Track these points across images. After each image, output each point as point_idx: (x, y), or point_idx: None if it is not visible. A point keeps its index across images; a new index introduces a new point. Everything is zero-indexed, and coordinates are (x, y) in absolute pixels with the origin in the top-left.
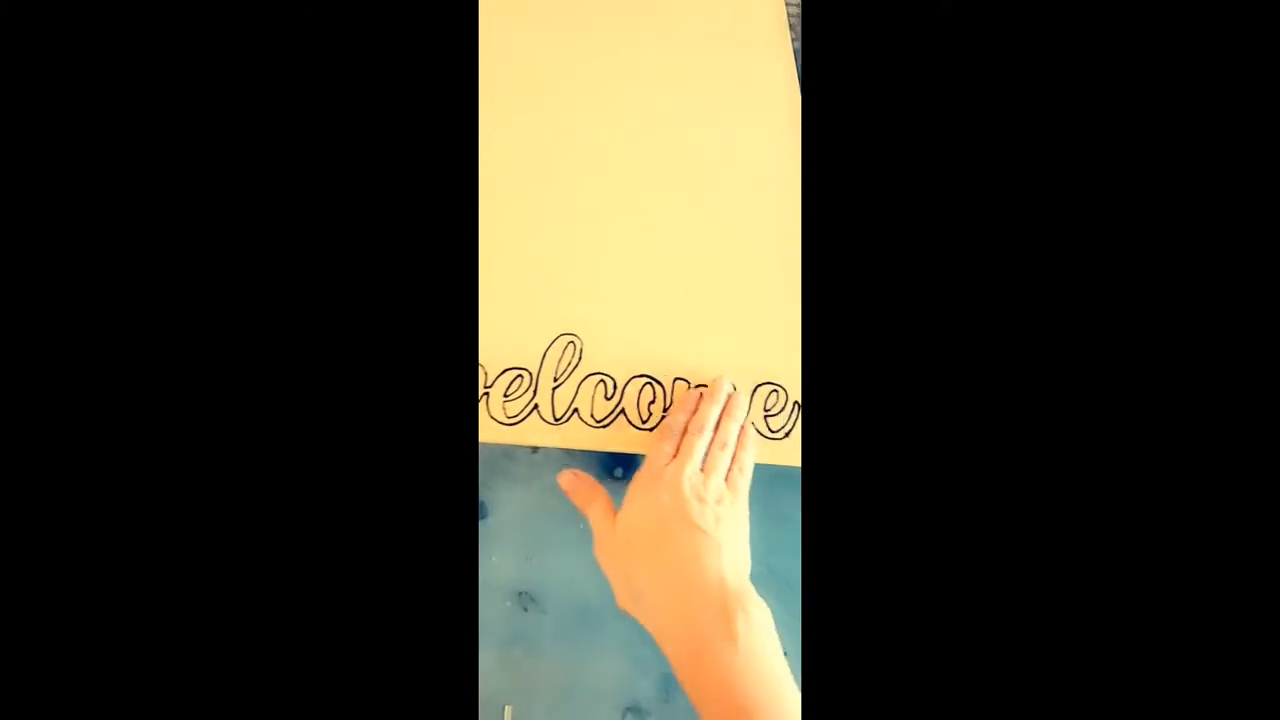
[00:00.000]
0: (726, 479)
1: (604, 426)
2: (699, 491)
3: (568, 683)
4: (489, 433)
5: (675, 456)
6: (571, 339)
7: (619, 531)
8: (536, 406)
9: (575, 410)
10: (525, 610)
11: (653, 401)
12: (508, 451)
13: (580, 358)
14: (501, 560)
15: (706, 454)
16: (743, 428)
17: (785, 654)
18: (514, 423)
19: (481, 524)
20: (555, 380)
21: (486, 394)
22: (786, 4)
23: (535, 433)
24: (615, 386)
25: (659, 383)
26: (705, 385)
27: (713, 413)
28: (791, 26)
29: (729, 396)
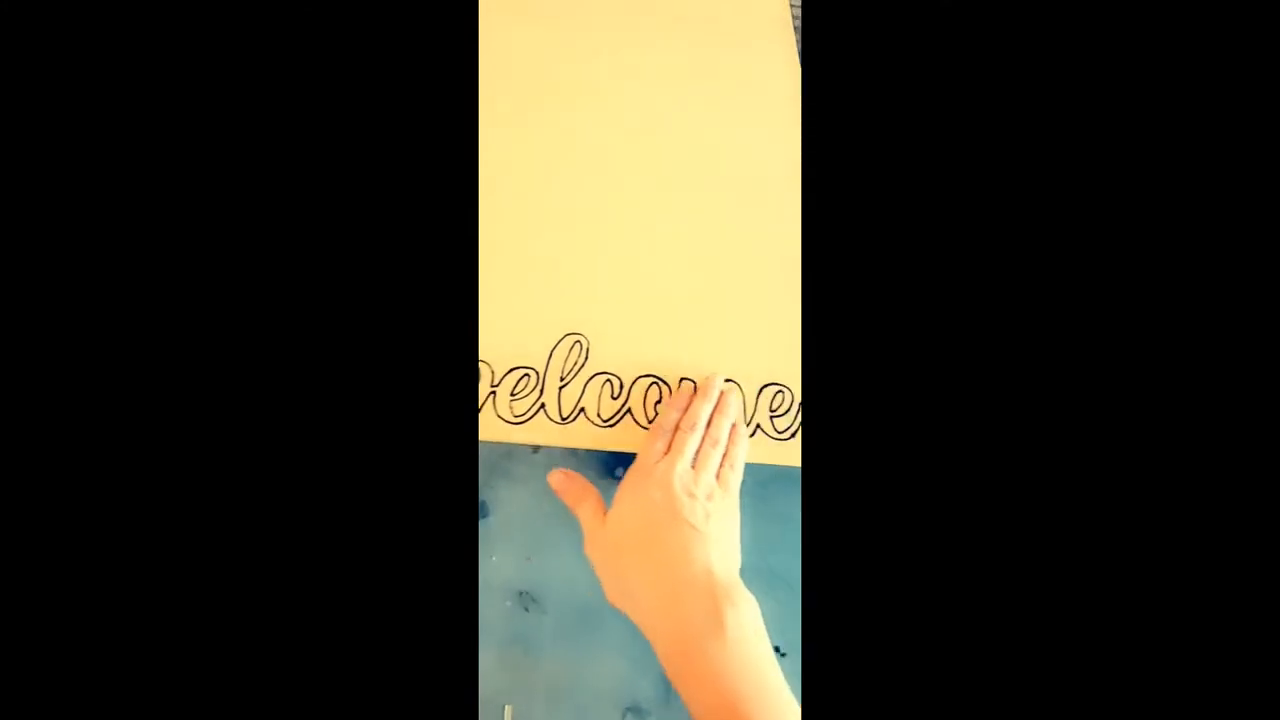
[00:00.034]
0: (718, 476)
1: (610, 426)
2: (689, 488)
3: (568, 682)
4: (496, 431)
5: (667, 454)
6: (578, 338)
7: (609, 529)
8: (543, 405)
9: (582, 410)
10: (526, 610)
11: (659, 401)
12: (508, 451)
13: (587, 357)
14: (502, 560)
15: (698, 451)
16: (734, 425)
17: (785, 654)
18: (521, 421)
19: (482, 523)
20: (562, 379)
21: (493, 393)
22: (790, 4)
23: (542, 432)
24: (622, 386)
25: (665, 383)
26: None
27: (705, 410)
28: (796, 29)
29: (721, 393)
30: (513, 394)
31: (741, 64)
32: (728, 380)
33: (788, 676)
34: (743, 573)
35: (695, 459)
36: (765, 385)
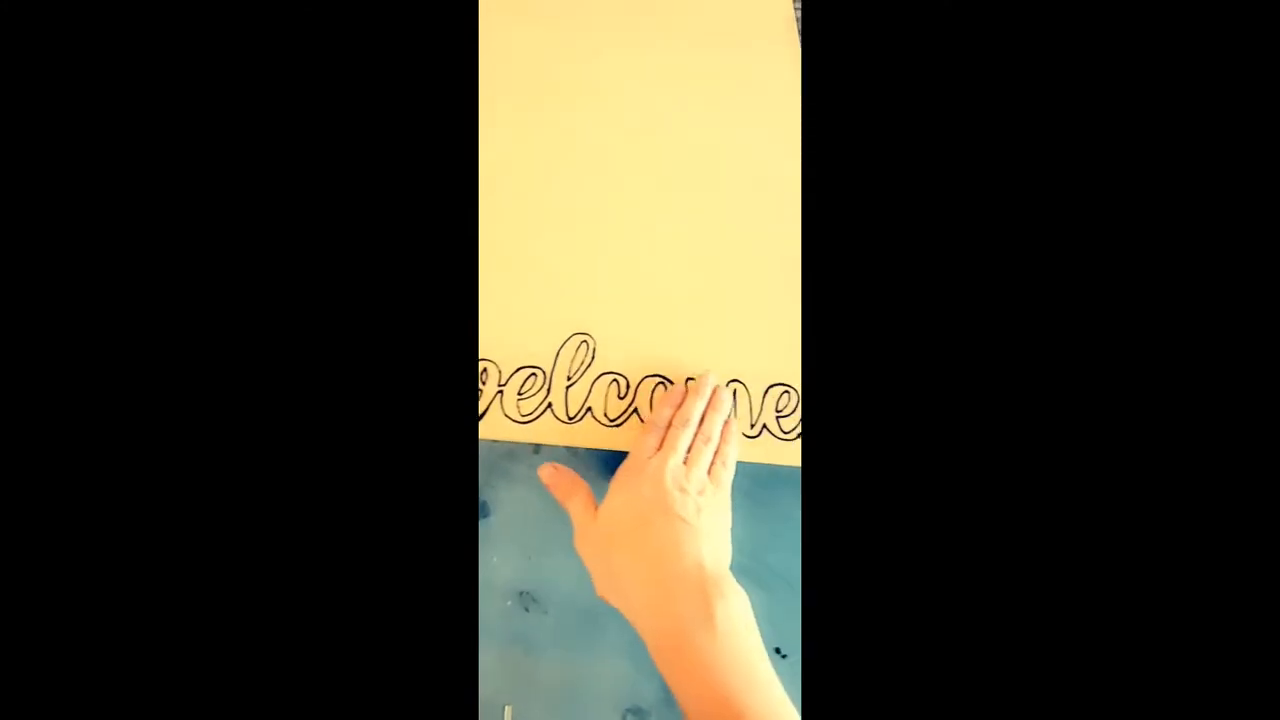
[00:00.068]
0: (709, 472)
1: (617, 426)
2: (681, 483)
3: (568, 683)
4: (503, 430)
5: (659, 450)
6: (585, 338)
7: (601, 523)
8: (550, 405)
9: (589, 409)
10: (526, 610)
11: None
12: (509, 451)
13: (593, 357)
14: (502, 560)
15: (690, 447)
16: (727, 422)
17: (785, 656)
18: (528, 421)
19: (483, 523)
20: (569, 379)
21: (500, 392)
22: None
23: (549, 431)
24: (628, 386)
25: (671, 383)
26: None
27: (698, 407)
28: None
29: (714, 391)
30: (520, 393)
31: (743, 64)
32: (734, 381)
33: (788, 677)
34: (744, 573)
35: (688, 455)
36: (771, 386)
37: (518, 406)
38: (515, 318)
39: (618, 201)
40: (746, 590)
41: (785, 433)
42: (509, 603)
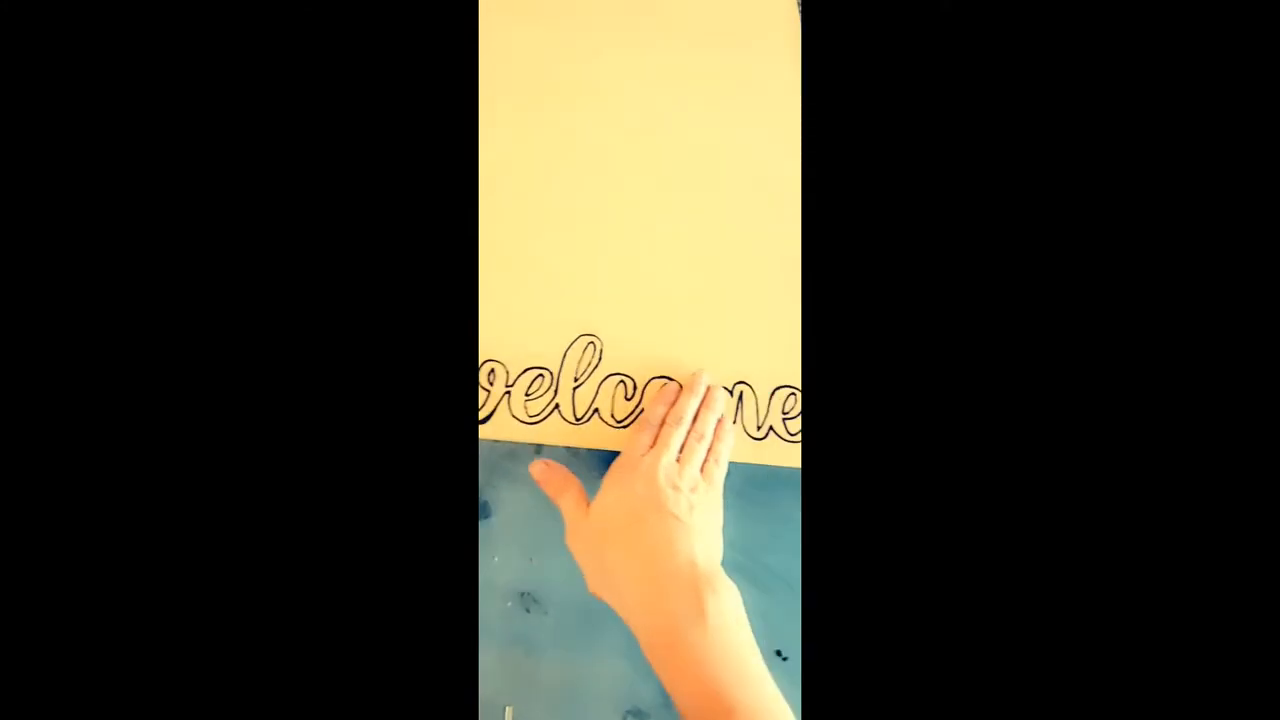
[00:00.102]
0: (702, 469)
1: (624, 427)
2: (673, 480)
3: (569, 684)
4: (511, 431)
5: (652, 447)
6: (591, 339)
7: (593, 519)
8: (558, 406)
9: (596, 410)
10: (527, 611)
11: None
12: (510, 451)
13: (600, 358)
14: (504, 561)
15: (683, 445)
16: (720, 420)
17: (786, 658)
18: (535, 421)
19: (484, 524)
20: (576, 380)
21: (508, 392)
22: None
23: (557, 432)
24: (635, 387)
25: (678, 384)
26: (725, 386)
27: (691, 405)
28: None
29: (708, 389)
30: (527, 394)
31: (744, 64)
32: (740, 383)
33: (788, 679)
34: (745, 575)
35: (681, 453)
36: (778, 388)
37: (525, 407)
38: (522, 318)
39: (623, 202)
40: (747, 592)
41: (792, 435)
42: (510, 603)
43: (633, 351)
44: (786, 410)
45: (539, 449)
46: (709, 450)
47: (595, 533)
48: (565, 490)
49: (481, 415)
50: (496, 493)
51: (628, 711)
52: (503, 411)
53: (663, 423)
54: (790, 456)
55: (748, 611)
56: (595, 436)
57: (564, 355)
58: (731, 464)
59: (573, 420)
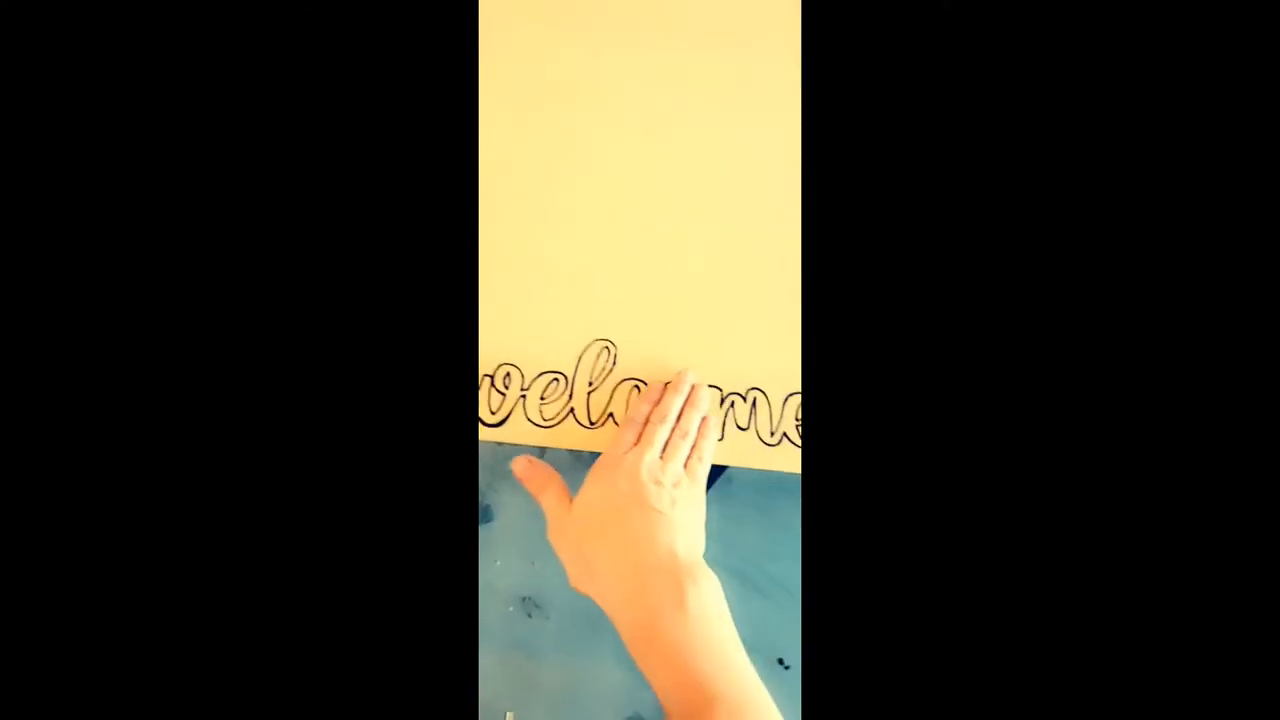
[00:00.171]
0: (685, 466)
1: None
2: (656, 475)
3: (570, 689)
4: (526, 435)
5: (636, 445)
6: (606, 344)
7: (575, 514)
8: (572, 410)
9: (610, 415)
10: (529, 616)
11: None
12: (513, 455)
13: (614, 363)
14: (505, 564)
15: (667, 442)
16: (705, 419)
17: (788, 666)
18: (550, 425)
19: (486, 528)
20: (590, 385)
21: (523, 396)
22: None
23: (572, 436)
24: None
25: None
26: (737, 393)
27: (676, 403)
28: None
29: (693, 388)
30: (542, 398)
31: (744, 64)
32: (754, 389)
33: (790, 688)
34: (746, 581)
35: (664, 450)
36: (791, 394)
37: (540, 411)
38: (536, 322)
39: (626, 203)
40: (751, 601)
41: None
42: (511, 608)
43: (647, 357)
44: (799, 417)
45: (543, 451)
46: (693, 448)
47: (578, 527)
48: (547, 486)
49: (497, 419)
50: (499, 496)
51: (628, 717)
52: (518, 415)
53: (646, 421)
54: (772, 460)
55: (752, 620)
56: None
57: (578, 360)
58: (742, 470)
59: (587, 424)
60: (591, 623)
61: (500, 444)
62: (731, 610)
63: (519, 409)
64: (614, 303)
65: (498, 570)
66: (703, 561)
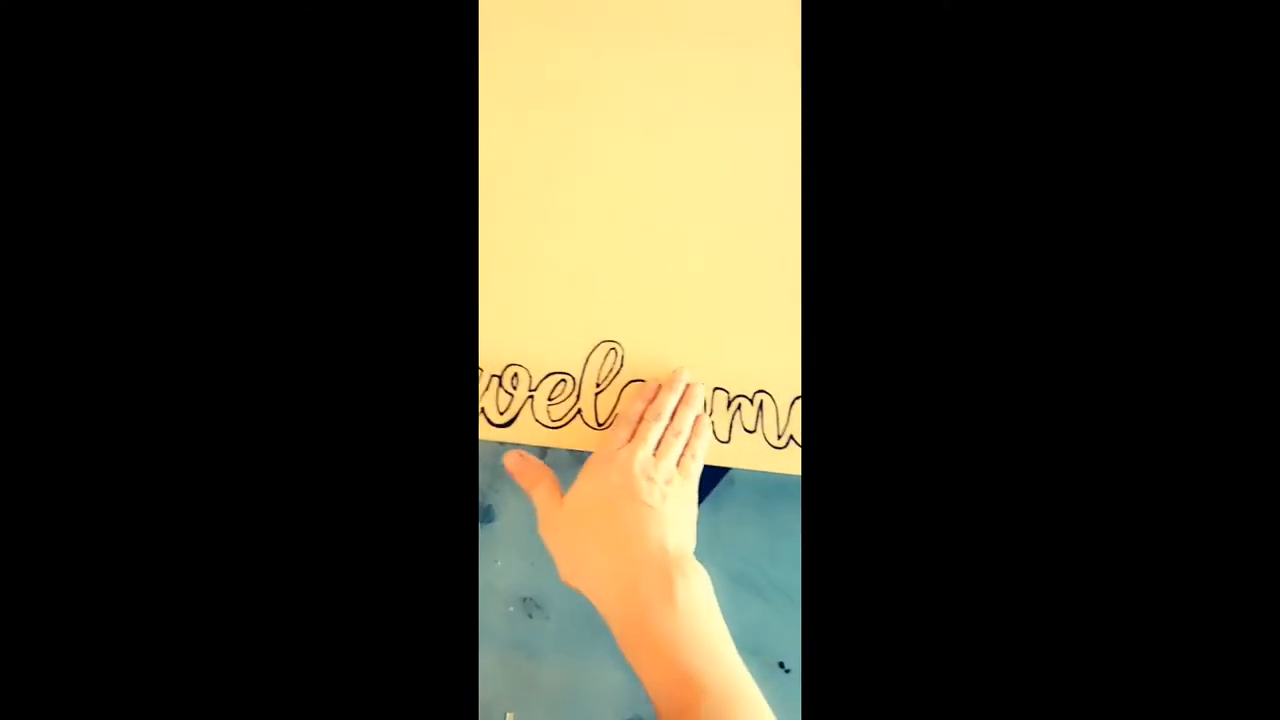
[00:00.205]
0: (679, 464)
1: None
2: (648, 472)
3: (570, 690)
4: (534, 435)
5: (630, 441)
6: (613, 346)
7: (567, 509)
8: (580, 411)
9: (618, 416)
10: (529, 616)
11: None
12: None
13: (622, 364)
14: (506, 565)
15: (660, 440)
16: (698, 417)
17: (788, 670)
18: (558, 426)
19: (487, 528)
20: (598, 386)
21: (531, 397)
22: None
23: (579, 437)
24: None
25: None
26: (744, 395)
27: (670, 401)
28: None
29: (687, 386)
30: (550, 399)
31: (744, 64)
32: (760, 392)
33: (790, 689)
34: (748, 585)
35: (657, 448)
36: (798, 397)
37: (548, 412)
38: (543, 323)
39: (627, 204)
40: (750, 603)
41: None
42: (512, 608)
43: (654, 358)
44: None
45: (545, 451)
46: (686, 446)
47: (569, 522)
48: (539, 481)
49: (504, 419)
50: (500, 496)
51: (628, 718)
52: (525, 416)
53: (640, 418)
54: (772, 461)
55: (753, 623)
56: None
57: (585, 361)
58: (744, 472)
59: (595, 425)
60: (592, 623)
61: (502, 444)
62: (732, 613)
63: (527, 410)
64: (620, 304)
65: (498, 570)
66: (692, 556)
